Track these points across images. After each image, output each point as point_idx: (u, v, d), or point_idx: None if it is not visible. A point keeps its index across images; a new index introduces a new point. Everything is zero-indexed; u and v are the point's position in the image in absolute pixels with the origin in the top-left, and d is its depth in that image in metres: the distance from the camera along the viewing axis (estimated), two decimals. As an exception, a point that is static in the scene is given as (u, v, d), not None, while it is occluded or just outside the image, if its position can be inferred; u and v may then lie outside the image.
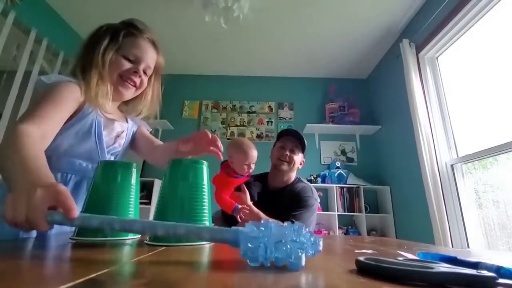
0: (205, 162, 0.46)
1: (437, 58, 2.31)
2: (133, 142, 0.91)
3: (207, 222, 0.44)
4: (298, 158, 1.33)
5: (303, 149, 1.33)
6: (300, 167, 1.37)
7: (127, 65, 0.75)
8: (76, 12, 2.56)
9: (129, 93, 0.79)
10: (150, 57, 0.80)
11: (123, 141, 0.83)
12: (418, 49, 2.33)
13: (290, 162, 1.30)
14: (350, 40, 2.83)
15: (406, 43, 2.39)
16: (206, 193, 0.44)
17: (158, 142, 0.90)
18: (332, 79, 3.47)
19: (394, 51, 2.67)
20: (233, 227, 0.29)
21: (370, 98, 3.37)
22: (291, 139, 1.33)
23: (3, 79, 2.40)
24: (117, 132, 0.80)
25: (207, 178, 0.45)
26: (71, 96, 0.67)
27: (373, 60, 3.16)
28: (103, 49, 0.72)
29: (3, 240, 0.35)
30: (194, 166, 0.44)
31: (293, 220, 1.18)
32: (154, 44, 0.81)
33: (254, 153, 1.13)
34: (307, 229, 0.30)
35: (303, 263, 0.27)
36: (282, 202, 1.27)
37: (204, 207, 0.43)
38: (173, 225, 0.30)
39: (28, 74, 2.19)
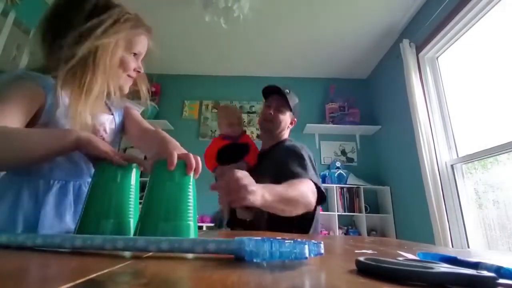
0: (134, 164, 0.49)
1: (437, 58, 2.31)
2: (124, 128, 0.82)
3: (132, 219, 0.45)
4: (286, 117, 1.22)
5: (291, 108, 1.21)
6: (291, 127, 1.28)
7: (134, 63, 0.70)
8: (76, 12, 2.56)
9: (128, 87, 0.75)
10: (145, 49, 0.75)
11: (106, 136, 0.74)
12: (418, 49, 2.33)
13: (275, 120, 1.19)
14: (350, 40, 2.83)
15: (406, 43, 2.39)
16: (133, 194, 0.47)
17: (146, 125, 0.78)
18: (332, 79, 3.47)
19: (394, 51, 2.67)
20: (237, 238, 0.29)
21: (370, 98, 3.37)
22: (276, 97, 1.22)
23: (3, 79, 2.40)
24: (94, 129, 0.70)
25: (136, 179, 0.47)
26: (29, 100, 0.57)
27: (373, 60, 3.16)
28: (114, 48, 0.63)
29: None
30: (123, 169, 0.47)
31: (291, 170, 0.99)
32: (150, 37, 0.76)
33: (232, 112, 1.22)
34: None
35: (307, 254, 0.28)
36: (271, 161, 1.14)
37: (130, 206, 0.46)
38: (179, 240, 0.30)
39: (28, 74, 2.19)
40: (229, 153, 1.16)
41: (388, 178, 2.91)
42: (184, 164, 0.44)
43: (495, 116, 1.75)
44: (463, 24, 1.95)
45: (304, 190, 0.90)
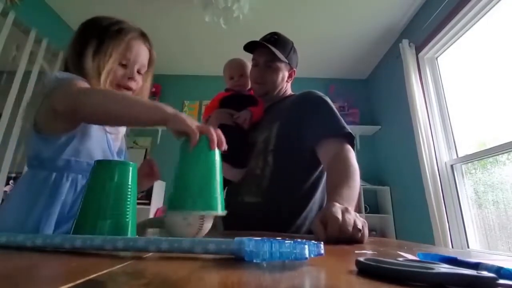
0: (131, 163, 0.49)
1: (436, 58, 2.31)
2: None
3: (129, 220, 0.45)
4: (280, 72, 0.99)
5: (285, 56, 0.97)
6: (290, 80, 1.06)
7: (121, 71, 0.73)
8: (76, 12, 2.56)
9: None
10: (143, 57, 0.77)
11: (121, 138, 0.83)
12: (418, 50, 2.33)
13: (267, 80, 0.98)
14: (350, 40, 2.83)
15: (406, 43, 2.39)
16: (130, 193, 0.46)
17: None
18: (332, 79, 3.47)
19: (394, 52, 2.67)
20: (237, 238, 0.29)
21: (370, 98, 3.37)
22: (263, 51, 0.98)
23: (3, 80, 2.40)
24: (119, 130, 0.81)
25: (133, 179, 0.48)
26: None
27: (373, 61, 3.16)
28: (92, 57, 0.70)
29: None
30: (121, 168, 0.47)
31: (312, 123, 0.89)
32: (145, 39, 0.78)
33: (234, 65, 1.13)
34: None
35: (307, 254, 0.28)
36: (279, 109, 0.98)
37: (128, 205, 0.46)
38: (178, 240, 0.30)
39: (28, 74, 2.19)
40: (233, 103, 1.04)
41: (388, 178, 2.91)
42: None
43: (495, 116, 1.75)
44: (462, 25, 1.95)
45: (355, 161, 0.78)
